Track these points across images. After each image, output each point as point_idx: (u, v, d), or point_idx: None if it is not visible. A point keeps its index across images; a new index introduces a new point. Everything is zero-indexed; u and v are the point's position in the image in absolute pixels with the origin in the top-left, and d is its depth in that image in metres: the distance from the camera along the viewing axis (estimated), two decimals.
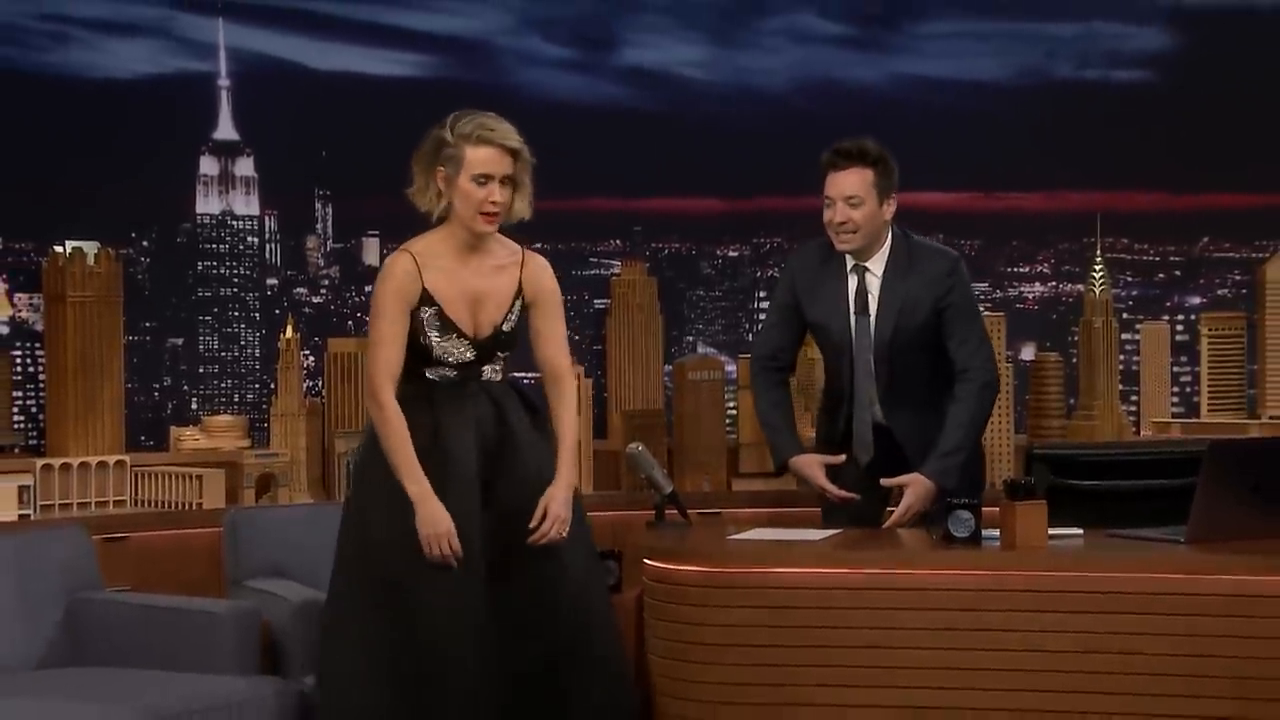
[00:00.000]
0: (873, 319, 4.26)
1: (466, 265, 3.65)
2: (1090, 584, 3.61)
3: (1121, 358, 7.40)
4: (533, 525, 3.65)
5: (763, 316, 7.56)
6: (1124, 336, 7.43)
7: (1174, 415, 7.24)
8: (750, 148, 7.15)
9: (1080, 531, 3.89)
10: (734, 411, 7.31)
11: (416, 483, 3.53)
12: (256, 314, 7.21)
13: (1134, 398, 7.33)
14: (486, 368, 3.68)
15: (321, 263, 7.25)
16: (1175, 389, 7.22)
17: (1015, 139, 6.94)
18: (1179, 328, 7.29)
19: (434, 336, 3.60)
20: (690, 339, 7.56)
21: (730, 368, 7.39)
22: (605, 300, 7.46)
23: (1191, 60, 6.93)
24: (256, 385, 7.15)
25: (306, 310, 7.27)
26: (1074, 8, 7.17)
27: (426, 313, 3.60)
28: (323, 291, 7.27)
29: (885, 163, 4.24)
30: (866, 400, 4.28)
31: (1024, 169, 7.00)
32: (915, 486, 4.17)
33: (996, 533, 3.74)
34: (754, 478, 7.13)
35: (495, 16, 7.22)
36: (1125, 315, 7.43)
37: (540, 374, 3.80)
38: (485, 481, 3.63)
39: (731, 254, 7.55)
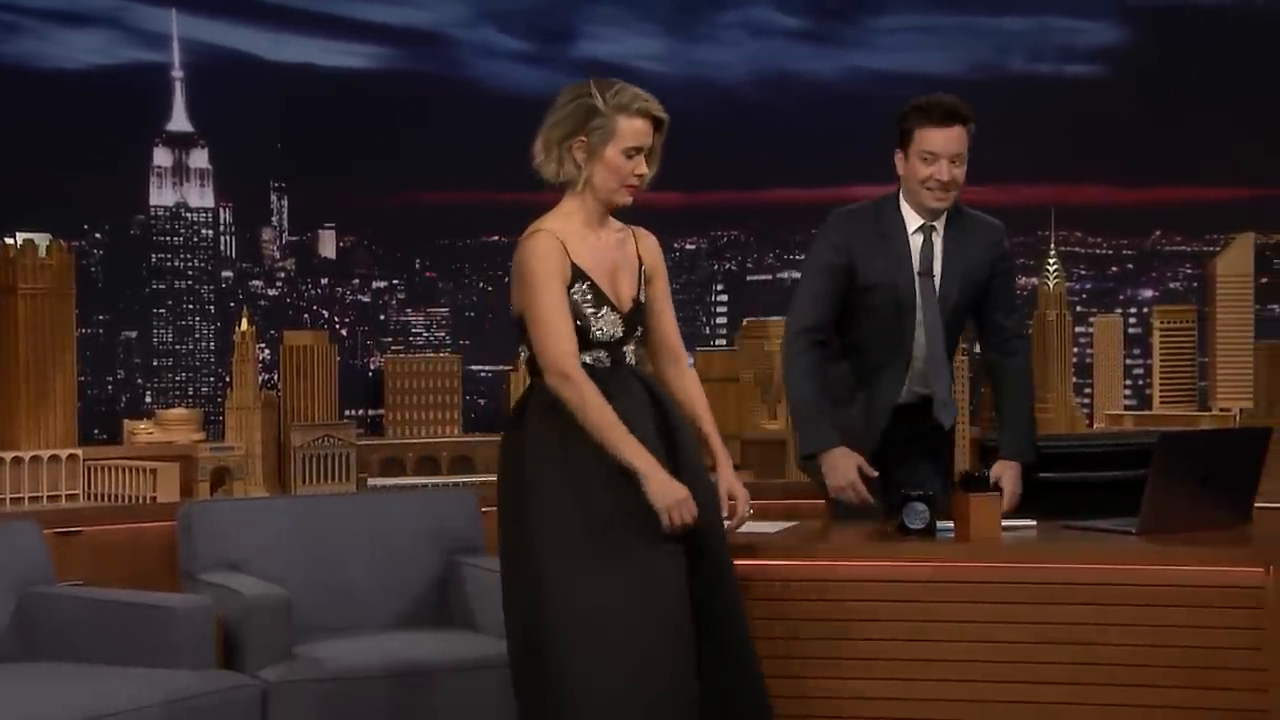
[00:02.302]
0: (938, 280, 4.16)
1: (598, 238, 3.50)
2: (1043, 575, 3.64)
3: (1075, 350, 7.49)
4: (727, 514, 3.53)
5: (722, 309, 7.56)
6: (1077, 329, 7.53)
7: (1127, 408, 7.33)
8: (707, 141, 7.19)
9: (1034, 523, 3.93)
10: None
11: (639, 456, 3.32)
12: (211, 307, 7.20)
13: (1087, 390, 7.41)
14: (628, 348, 3.50)
15: (277, 255, 7.24)
16: (1128, 381, 7.31)
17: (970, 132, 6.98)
18: (1131, 320, 7.39)
19: (590, 313, 3.42)
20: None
21: (688, 360, 7.41)
22: None
23: (1143, 54, 7.02)
24: (211, 378, 7.14)
25: (262, 303, 7.27)
26: (1027, 3, 7.24)
27: (579, 289, 3.42)
28: (279, 284, 7.27)
29: (973, 124, 4.16)
30: (939, 360, 4.18)
31: (978, 162, 7.04)
32: (1012, 474, 4.13)
33: (951, 525, 3.76)
34: (712, 471, 7.13)
35: (451, 8, 7.23)
36: (1079, 308, 7.52)
37: (653, 352, 3.61)
38: (668, 468, 3.44)
39: (689, 247, 7.59)
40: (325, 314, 6.55)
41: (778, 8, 6.89)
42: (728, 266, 6.71)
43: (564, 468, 3.37)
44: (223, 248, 6.34)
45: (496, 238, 6.75)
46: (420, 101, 6.64)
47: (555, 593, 3.35)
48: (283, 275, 6.40)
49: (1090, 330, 6.41)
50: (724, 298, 6.69)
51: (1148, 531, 3.73)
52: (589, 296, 3.42)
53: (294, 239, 6.46)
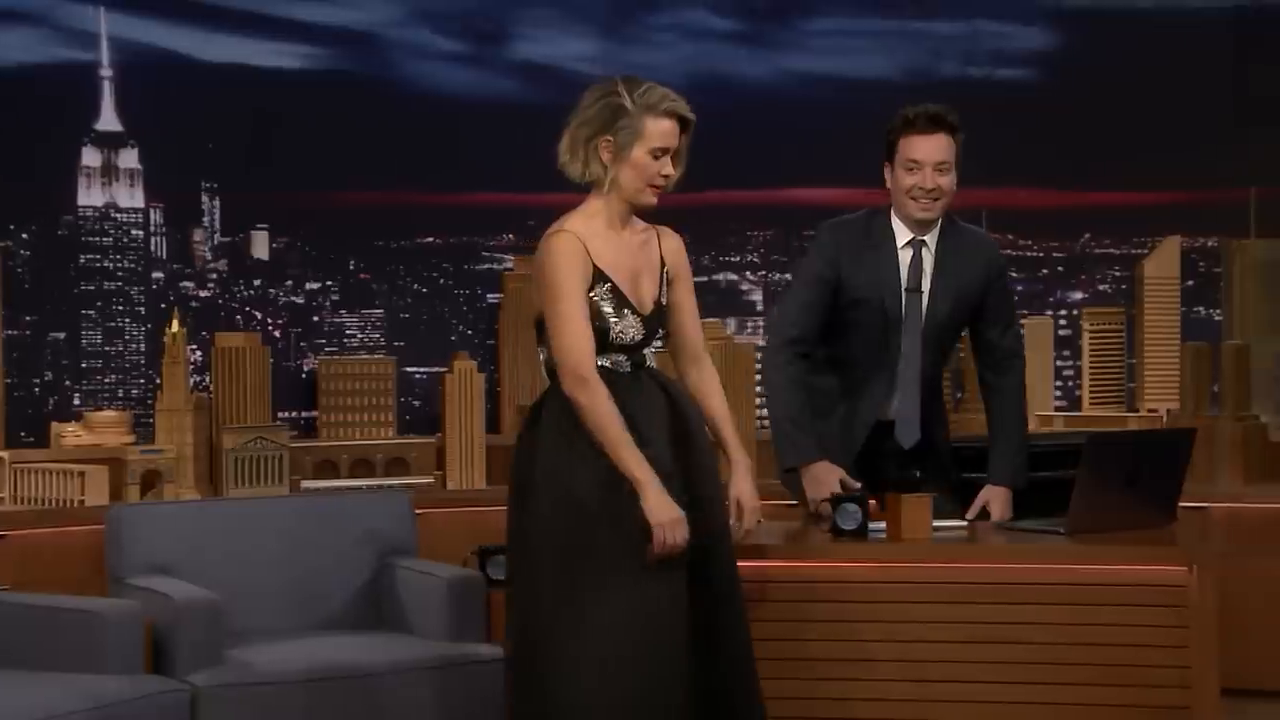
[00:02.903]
0: (926, 297, 4.08)
1: (621, 239, 3.43)
2: (973, 575, 3.67)
3: None
4: (734, 521, 3.46)
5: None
6: None
7: (1057, 408, 7.38)
8: None
9: (965, 523, 3.96)
10: None
11: (640, 468, 3.28)
12: (141, 308, 7.10)
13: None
14: (648, 351, 3.45)
15: (209, 256, 7.16)
16: (1058, 383, 7.36)
17: None
18: (1062, 322, 7.43)
19: (610, 315, 3.37)
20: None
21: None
22: (497, 295, 7.45)
23: (1072, 59, 7.07)
24: (141, 380, 7.04)
25: (193, 304, 7.17)
26: (959, 7, 7.28)
27: (601, 291, 3.37)
28: (210, 285, 7.18)
29: (960, 133, 4.06)
30: (915, 379, 4.09)
31: None
32: (1000, 500, 4.05)
33: (883, 525, 3.78)
34: None
35: (385, 9, 7.17)
36: None
37: (675, 353, 3.55)
38: (679, 475, 3.41)
39: None
40: (258, 316, 6.53)
41: (711, 10, 6.94)
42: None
43: (571, 475, 3.33)
44: (153, 249, 6.29)
45: (431, 239, 6.75)
46: (354, 102, 6.64)
47: (552, 594, 3.32)
48: (214, 277, 6.36)
49: (1022, 332, 6.55)
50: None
51: (1076, 531, 3.77)
52: (610, 299, 3.37)
53: (226, 240, 6.42)
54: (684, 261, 3.52)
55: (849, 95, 7.08)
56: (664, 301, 3.45)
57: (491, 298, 7.43)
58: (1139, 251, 7.44)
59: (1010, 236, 7.51)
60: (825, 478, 3.93)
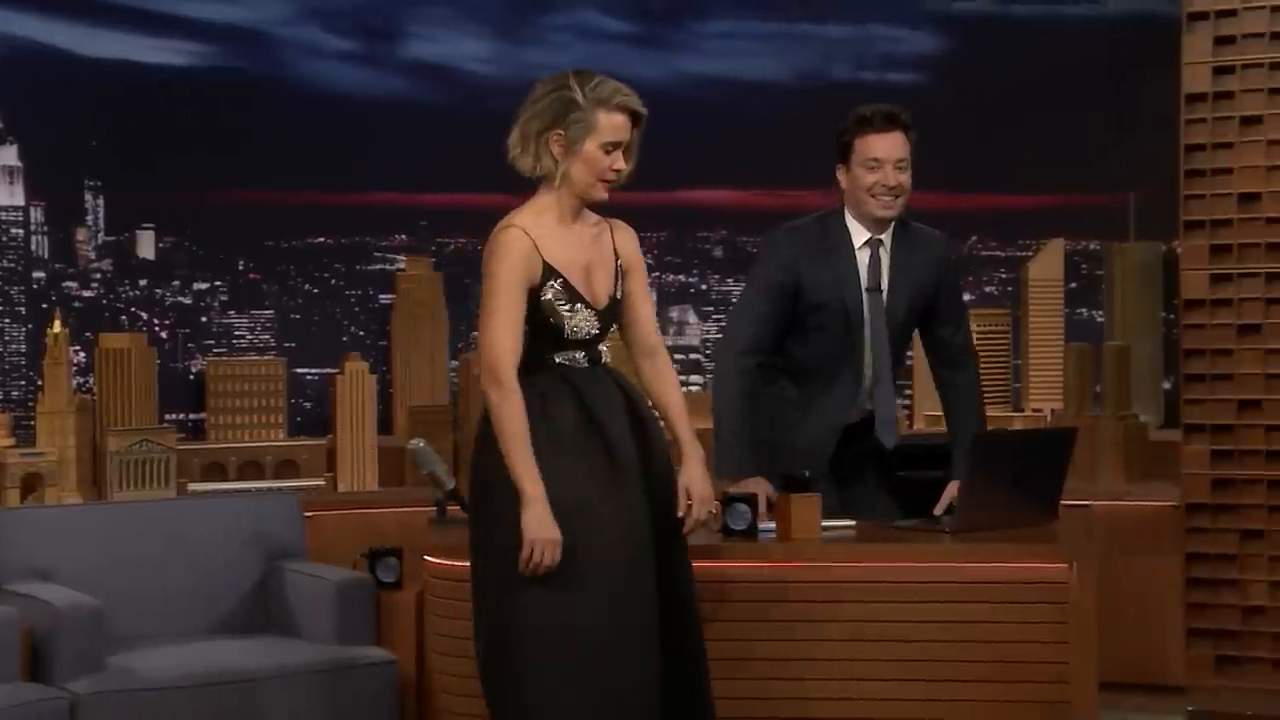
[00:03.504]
0: (885, 296, 4.08)
1: (572, 233, 3.39)
2: (860, 574, 3.71)
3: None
4: (682, 513, 3.43)
5: None
6: None
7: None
8: None
9: (854, 523, 3.99)
10: None
11: (531, 481, 3.24)
12: (22, 309, 6.95)
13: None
14: (604, 346, 3.42)
15: (92, 255, 7.02)
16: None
17: (796, 138, 7.06)
18: None
19: (564, 311, 3.33)
20: (476, 334, 7.52)
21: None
22: (390, 295, 7.39)
23: (959, 64, 7.17)
24: (22, 382, 6.89)
25: (76, 305, 7.03)
26: (850, 11, 7.34)
27: (552, 287, 3.33)
28: (94, 285, 7.04)
29: (913, 132, 4.09)
30: (883, 378, 4.09)
31: (805, 167, 7.13)
32: None
33: (773, 525, 3.81)
34: None
35: (274, 6, 7.08)
36: None
37: (629, 346, 3.51)
38: (640, 472, 3.38)
39: None
40: (143, 316, 6.39)
41: (604, 11, 6.91)
42: None
43: (541, 471, 3.28)
44: (34, 248, 6.13)
45: (322, 239, 6.66)
46: (242, 100, 6.53)
47: (519, 605, 3.27)
48: (98, 276, 6.21)
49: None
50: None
51: (962, 530, 3.82)
52: (563, 294, 3.34)
53: (110, 239, 6.28)
54: (638, 254, 3.49)
55: (742, 98, 7.12)
56: (618, 295, 3.42)
57: (384, 298, 7.37)
58: (1024, 254, 7.56)
59: None
60: (760, 492, 3.90)
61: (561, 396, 3.34)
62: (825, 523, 3.85)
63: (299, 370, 7.35)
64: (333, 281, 7.35)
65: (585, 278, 3.38)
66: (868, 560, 3.74)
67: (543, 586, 3.25)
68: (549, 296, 3.32)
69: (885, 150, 4.01)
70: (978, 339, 7.26)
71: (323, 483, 7.10)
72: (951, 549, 3.75)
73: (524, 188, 7.65)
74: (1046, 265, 7.58)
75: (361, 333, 7.38)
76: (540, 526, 3.24)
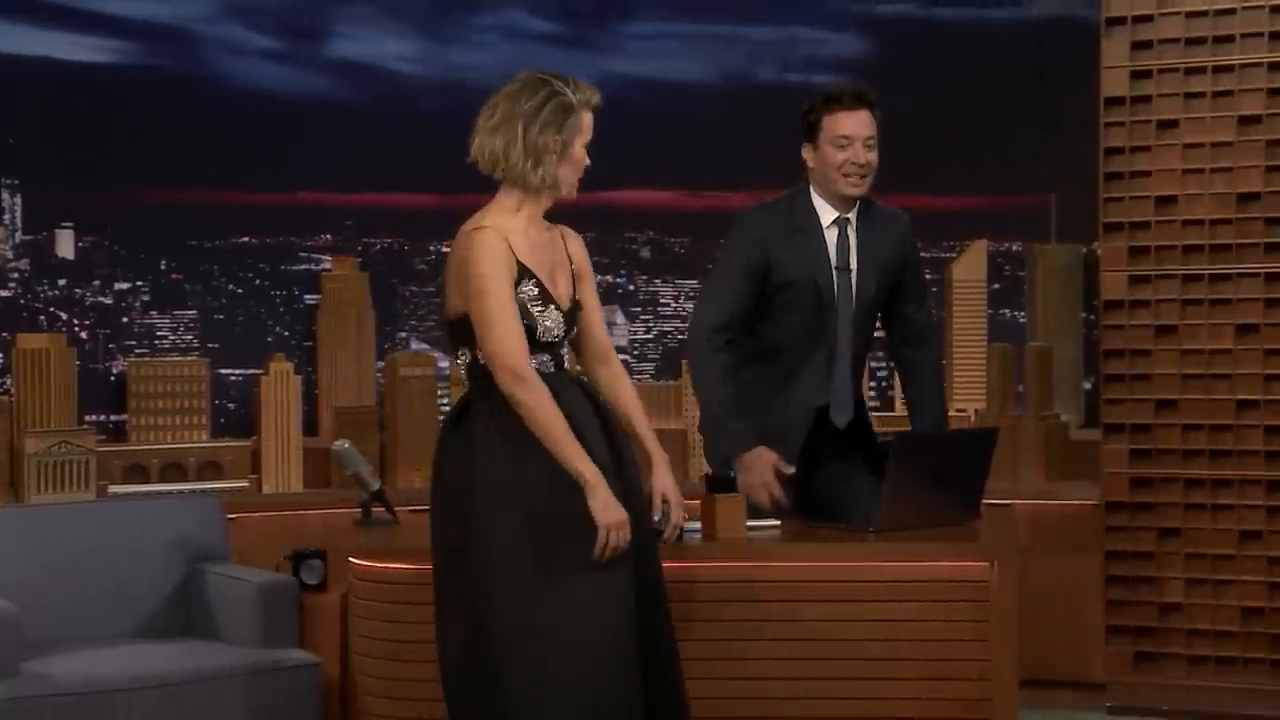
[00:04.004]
0: (854, 275, 4.09)
1: (534, 236, 3.38)
2: (785, 574, 3.72)
3: None
4: (658, 517, 3.44)
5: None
6: None
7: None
8: (462, 143, 7.11)
9: (778, 523, 4.00)
10: (447, 407, 7.26)
11: (588, 467, 3.21)
12: None
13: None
14: (565, 351, 3.41)
15: (10, 255, 6.91)
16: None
17: (721, 139, 7.08)
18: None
19: (537, 312, 3.31)
20: (404, 335, 7.48)
21: (443, 363, 7.34)
22: (315, 296, 7.33)
23: (884, 67, 7.21)
24: None
25: None
26: (775, 13, 7.37)
27: (527, 287, 3.31)
28: (11, 285, 6.93)
29: (878, 111, 4.09)
30: (846, 358, 4.10)
31: (729, 168, 7.15)
32: None
33: (698, 525, 3.81)
34: None
35: (197, 4, 7.00)
36: None
37: (582, 352, 3.49)
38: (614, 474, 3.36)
39: (445, 249, 7.49)
40: (63, 316, 6.29)
41: (530, 11, 6.88)
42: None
43: (514, 476, 3.26)
44: None
45: (247, 239, 6.57)
46: (164, 98, 6.44)
47: (503, 606, 3.23)
48: (16, 276, 6.11)
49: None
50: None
51: (886, 529, 3.84)
52: (536, 295, 3.32)
53: (28, 238, 6.17)
54: (588, 260, 3.49)
55: (667, 98, 7.13)
56: (578, 298, 3.42)
57: (309, 298, 7.31)
58: (948, 255, 7.62)
59: None
60: (759, 465, 3.92)
61: None
62: (750, 522, 3.86)
63: (223, 371, 7.28)
64: (257, 282, 7.27)
65: (551, 279, 3.38)
66: (792, 560, 3.75)
67: (525, 590, 3.23)
68: (523, 297, 3.31)
69: (854, 128, 4.02)
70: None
71: (247, 484, 7.03)
72: (874, 548, 3.77)
73: (448, 189, 7.62)
74: (970, 266, 7.64)
75: (286, 333, 7.31)
76: (609, 510, 3.22)
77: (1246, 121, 5.13)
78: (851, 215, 4.10)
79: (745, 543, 3.79)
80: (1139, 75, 5.24)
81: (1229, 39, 5.13)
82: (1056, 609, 5.31)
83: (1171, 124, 5.21)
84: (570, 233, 3.50)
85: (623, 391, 3.50)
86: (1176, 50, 5.19)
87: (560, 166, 3.34)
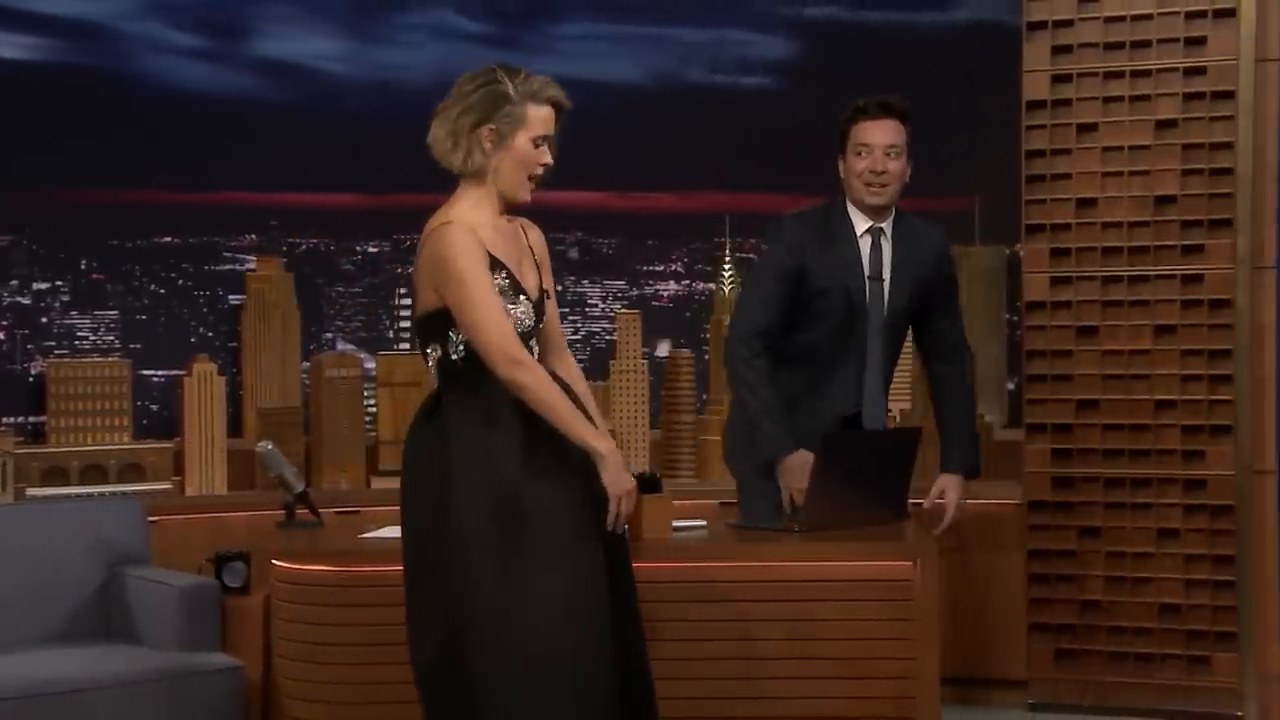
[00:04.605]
0: (887, 285, 4.13)
1: (503, 227, 3.39)
2: (711, 574, 3.74)
3: None
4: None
5: (405, 313, 7.47)
6: None
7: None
8: (389, 143, 7.07)
9: (704, 523, 4.02)
10: (373, 409, 7.23)
11: (598, 439, 3.24)
12: None
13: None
14: (534, 340, 3.40)
15: None
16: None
17: (650, 140, 7.09)
18: None
19: (509, 303, 3.31)
20: (329, 336, 7.42)
21: (369, 365, 7.30)
22: (240, 296, 7.26)
23: (812, 68, 7.24)
24: None
25: None
26: (705, 15, 7.39)
27: (499, 278, 3.32)
28: None
29: (910, 122, 4.15)
30: (877, 367, 4.14)
31: (658, 170, 7.16)
32: (955, 486, 4.19)
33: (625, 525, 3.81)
34: (394, 475, 7.05)
35: (117, 0, 6.91)
36: None
37: (540, 344, 3.48)
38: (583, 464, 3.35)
39: (371, 250, 7.45)
40: None
41: (459, 11, 6.85)
42: (411, 270, 6.71)
43: (489, 468, 3.25)
44: None
45: (169, 238, 6.49)
46: (85, 96, 6.33)
47: (478, 596, 3.22)
48: None
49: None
50: (407, 301, 6.65)
51: (811, 529, 3.86)
52: (508, 286, 3.33)
53: None
54: (547, 253, 3.51)
55: (596, 99, 7.12)
56: (545, 287, 3.44)
57: (234, 299, 7.24)
58: None
59: (754, 241, 7.66)
60: (800, 470, 3.95)
61: (509, 396, 3.30)
62: (676, 523, 3.87)
63: (145, 372, 7.19)
64: (180, 282, 7.20)
65: (519, 270, 3.39)
66: (718, 560, 3.77)
67: (505, 583, 3.22)
68: (496, 288, 3.31)
69: (876, 137, 4.10)
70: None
71: (169, 486, 6.95)
72: (798, 548, 3.79)
73: (375, 189, 7.54)
74: None
75: (210, 334, 7.24)
76: (621, 479, 3.25)
77: (1163, 125, 5.20)
78: (886, 225, 4.16)
79: (671, 543, 3.80)
80: (1059, 79, 5.30)
81: (1146, 44, 5.20)
82: (979, 607, 5.36)
83: (1091, 127, 5.27)
84: (531, 225, 3.52)
85: (577, 381, 3.52)
86: (1095, 55, 5.26)
87: (501, 158, 3.34)
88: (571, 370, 3.53)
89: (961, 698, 5.20)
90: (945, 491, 4.21)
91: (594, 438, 3.25)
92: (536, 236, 3.51)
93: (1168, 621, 5.17)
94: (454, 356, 3.30)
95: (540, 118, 3.37)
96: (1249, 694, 5.05)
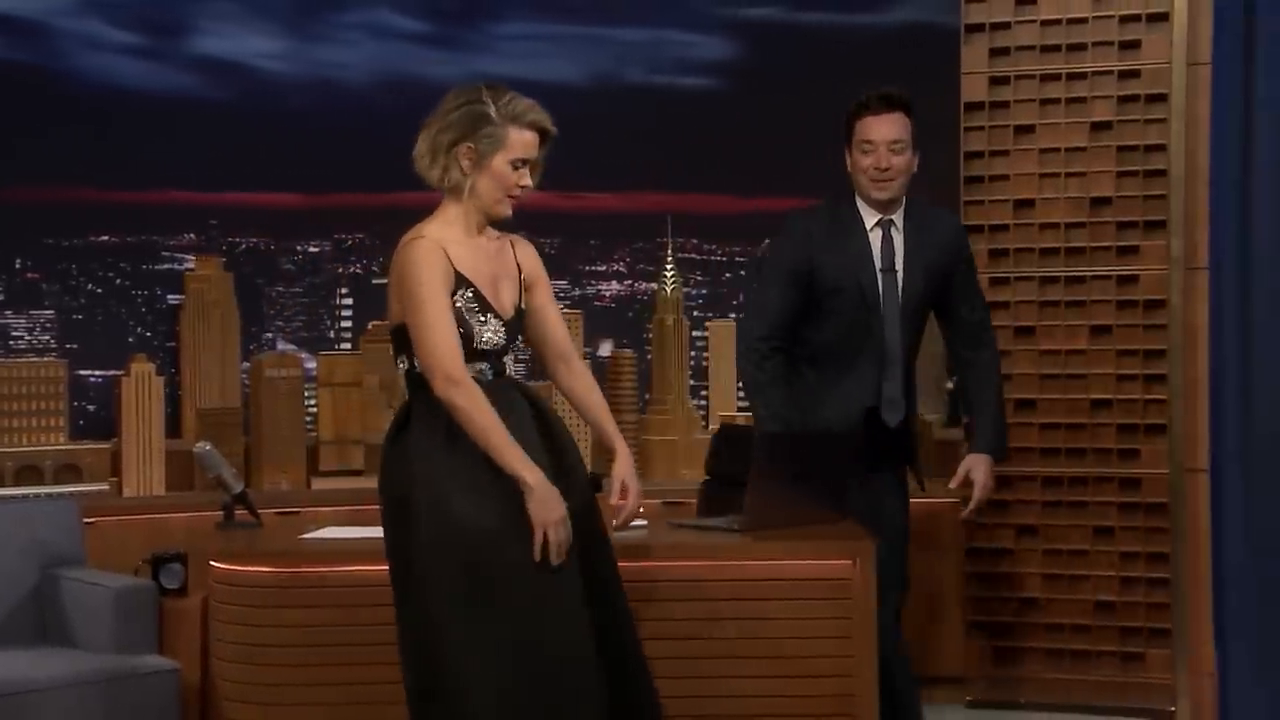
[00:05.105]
0: (900, 276, 4.10)
1: (478, 245, 3.40)
2: (651, 573, 3.73)
3: (692, 354, 7.66)
4: (616, 503, 3.45)
5: (346, 313, 7.41)
6: (694, 334, 7.69)
7: (740, 410, 7.56)
8: (329, 142, 7.02)
9: (645, 522, 4.00)
10: (314, 409, 7.18)
11: (526, 468, 3.21)
12: None
13: (704, 392, 7.61)
14: (508, 359, 3.42)
15: None
16: (740, 384, 7.53)
17: (590, 140, 7.07)
18: None
19: (474, 320, 3.32)
20: (269, 335, 7.37)
21: (310, 365, 7.25)
22: (179, 296, 7.19)
23: (750, 69, 7.26)
24: None
25: None
26: (643, 15, 7.39)
27: (464, 296, 3.32)
28: None
29: (914, 112, 4.12)
30: (898, 358, 4.11)
31: (599, 170, 7.16)
32: (983, 467, 4.14)
33: (645, 523, 3.82)
34: (334, 476, 7.02)
35: None
36: (695, 313, 7.70)
37: (543, 355, 3.53)
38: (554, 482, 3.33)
39: (312, 249, 7.40)
40: None
41: (397, 10, 6.79)
42: (352, 269, 6.63)
43: (451, 484, 3.24)
44: None
45: (106, 238, 6.41)
46: (20, 93, 6.20)
47: (445, 616, 3.21)
48: None
49: (706, 334, 6.59)
50: (348, 301, 6.62)
51: (750, 528, 3.86)
52: (473, 304, 3.34)
53: None
54: (540, 267, 3.51)
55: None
56: (523, 307, 3.43)
57: (173, 299, 7.17)
58: None
59: (694, 241, 7.66)
60: None
61: None
62: (617, 522, 3.85)
63: (82, 372, 7.11)
64: (118, 281, 7.12)
65: (493, 288, 3.39)
66: (657, 560, 3.76)
67: (466, 605, 3.21)
68: (460, 305, 3.33)
69: (879, 133, 4.07)
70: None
71: (106, 487, 6.87)
72: (738, 547, 3.79)
73: (316, 188, 7.46)
74: None
75: (149, 334, 7.17)
76: (547, 509, 3.22)
77: (1099, 127, 5.24)
78: (896, 216, 4.14)
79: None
80: (997, 81, 5.33)
81: (1081, 47, 5.24)
82: (918, 605, 5.38)
83: (1028, 129, 5.30)
84: (521, 241, 3.53)
85: (587, 388, 3.54)
86: (1032, 57, 5.29)
87: (478, 176, 3.35)
88: (582, 380, 3.55)
89: None
90: (972, 472, 4.18)
91: (522, 467, 3.23)
92: (526, 252, 3.51)
93: (1103, 619, 5.22)
94: (419, 369, 3.32)
95: (522, 141, 3.38)
96: (1182, 690, 5.10)
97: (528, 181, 3.41)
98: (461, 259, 3.35)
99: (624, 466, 3.51)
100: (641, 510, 3.58)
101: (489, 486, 3.24)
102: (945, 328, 4.31)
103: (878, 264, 4.12)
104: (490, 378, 3.36)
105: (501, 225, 3.49)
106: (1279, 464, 5.42)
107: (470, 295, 3.34)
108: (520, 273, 3.47)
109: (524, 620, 3.23)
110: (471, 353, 3.33)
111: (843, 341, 4.13)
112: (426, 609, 3.25)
